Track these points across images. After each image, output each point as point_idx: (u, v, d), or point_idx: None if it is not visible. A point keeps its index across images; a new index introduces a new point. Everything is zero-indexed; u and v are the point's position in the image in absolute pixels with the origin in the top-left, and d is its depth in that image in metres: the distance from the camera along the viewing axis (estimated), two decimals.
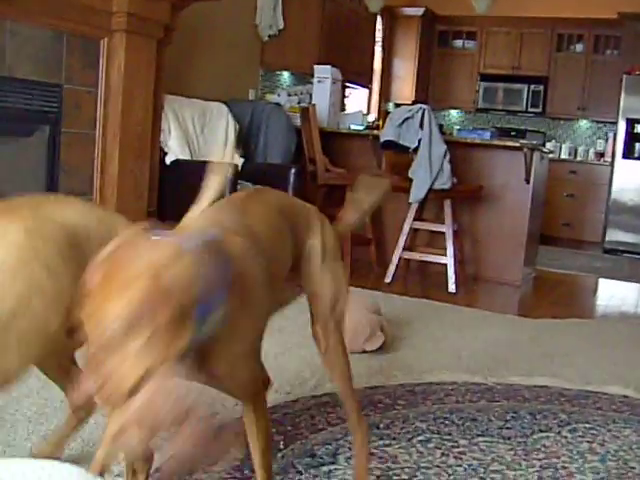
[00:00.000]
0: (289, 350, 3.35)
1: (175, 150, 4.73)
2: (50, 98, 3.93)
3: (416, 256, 5.53)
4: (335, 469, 2.17)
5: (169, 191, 4.66)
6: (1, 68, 3.63)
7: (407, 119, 5.06)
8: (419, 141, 5.03)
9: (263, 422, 1.60)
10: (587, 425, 2.72)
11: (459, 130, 7.68)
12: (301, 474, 2.12)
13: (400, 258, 5.37)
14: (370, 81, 9.28)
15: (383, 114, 9.27)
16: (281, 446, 2.29)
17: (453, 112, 10.94)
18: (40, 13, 3.74)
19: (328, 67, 6.78)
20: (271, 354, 3.27)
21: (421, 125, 5.02)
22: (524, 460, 2.34)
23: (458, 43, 10.62)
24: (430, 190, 5.04)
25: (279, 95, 6.86)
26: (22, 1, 3.62)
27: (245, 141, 5.63)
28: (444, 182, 5.03)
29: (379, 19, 9.33)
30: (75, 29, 3.97)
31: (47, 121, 3.94)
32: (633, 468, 2.36)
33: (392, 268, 5.35)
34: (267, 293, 1.51)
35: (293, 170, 4.85)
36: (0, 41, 3.60)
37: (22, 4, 3.63)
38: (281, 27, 6.93)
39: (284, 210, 1.78)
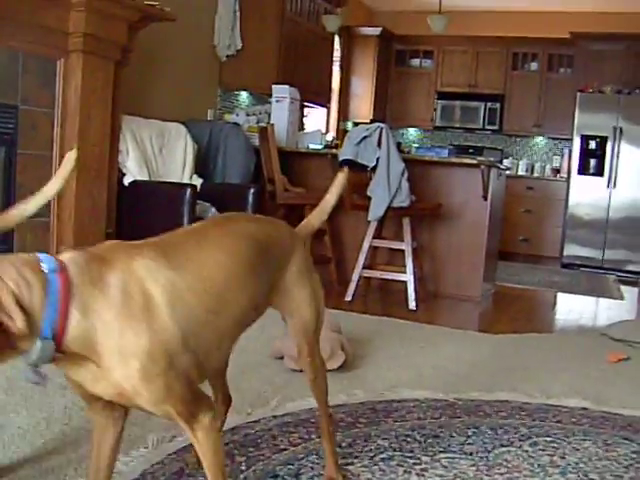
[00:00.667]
0: (251, 369, 3.33)
1: (133, 171, 4.70)
2: (6, 119, 3.89)
3: (376, 274, 5.54)
4: None
5: (127, 212, 4.63)
6: None
7: (365, 138, 5.09)
8: (377, 159, 5.06)
9: (204, 448, 1.61)
10: (548, 438, 2.74)
11: (417, 148, 7.75)
12: None
13: (360, 276, 5.38)
14: (328, 100, 9.32)
15: (342, 133, 9.31)
16: (243, 467, 2.27)
17: (411, 130, 11.03)
18: None
19: (286, 87, 6.80)
20: (232, 374, 3.25)
21: (379, 144, 5.05)
22: (486, 475, 2.35)
23: (415, 62, 10.73)
24: (389, 208, 5.06)
25: (237, 115, 6.86)
26: None
27: (203, 161, 5.62)
28: (402, 200, 5.06)
29: (337, 39, 9.39)
30: (31, 49, 3.94)
31: (2, 142, 3.90)
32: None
33: (352, 286, 5.35)
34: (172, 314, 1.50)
35: (252, 190, 4.85)
36: None
37: None
38: (239, 47, 6.94)
39: (256, 239, 1.81)
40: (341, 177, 2.23)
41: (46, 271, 1.36)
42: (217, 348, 1.67)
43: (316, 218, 2.20)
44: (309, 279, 2.00)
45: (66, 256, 1.43)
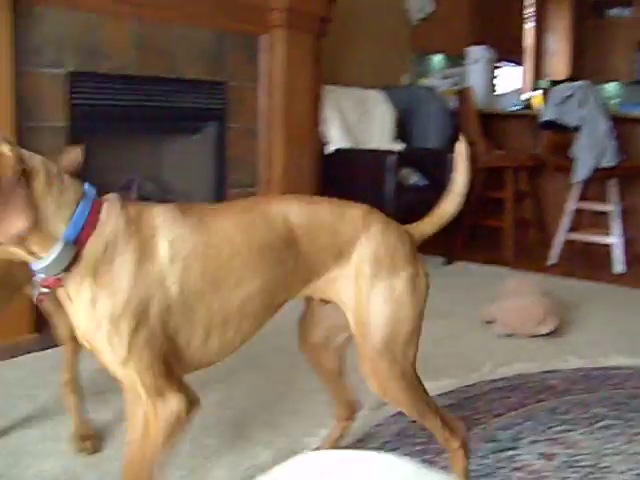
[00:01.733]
0: (460, 334, 3.36)
1: (336, 139, 4.80)
2: (215, 96, 4.09)
3: (580, 237, 5.38)
4: (517, 455, 2.17)
5: (331, 180, 4.73)
6: (173, 70, 3.81)
7: (567, 97, 4.92)
8: (581, 119, 4.89)
9: (156, 430, 1.51)
10: None
11: (620, 104, 7.38)
12: (484, 459, 2.14)
13: (563, 239, 5.25)
14: (522, 58, 9.06)
15: (537, 92, 9.04)
16: None
17: (610, 85, 10.53)
18: (203, 16, 3.89)
19: (482, 48, 6.68)
20: (442, 338, 3.30)
21: (583, 102, 4.87)
22: None
23: (613, 12, 10.19)
24: (596, 169, 4.89)
25: (433, 78, 6.81)
26: (186, 6, 3.78)
27: (402, 127, 5.63)
28: (609, 160, 4.86)
29: None
30: (236, 28, 4.10)
31: (214, 117, 4.10)
32: None
33: (556, 250, 5.23)
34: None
35: (451, 155, 4.80)
36: (170, 46, 3.77)
37: (186, 9, 3.79)
38: (431, 9, 6.87)
39: (290, 223, 1.64)
40: (461, 148, 1.91)
41: (85, 187, 1.47)
42: (207, 333, 1.54)
43: (430, 224, 1.85)
44: (388, 287, 1.66)
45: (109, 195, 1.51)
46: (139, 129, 3.91)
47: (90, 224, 1.42)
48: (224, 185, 4.13)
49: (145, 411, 1.54)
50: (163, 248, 1.48)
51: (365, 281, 1.66)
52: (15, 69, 3.04)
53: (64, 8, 3.27)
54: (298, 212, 1.67)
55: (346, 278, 1.68)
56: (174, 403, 1.49)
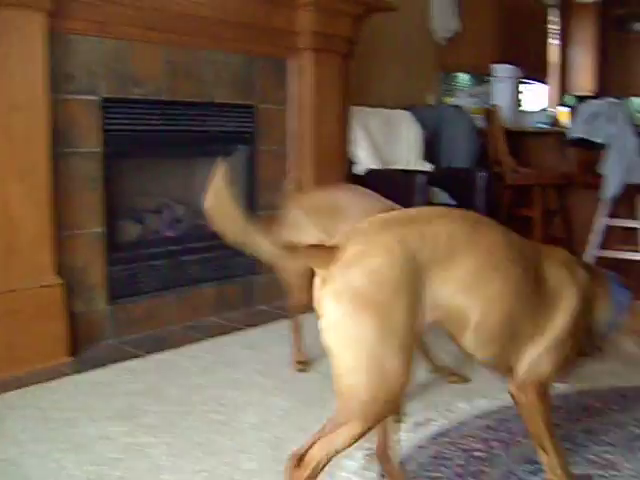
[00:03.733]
0: None
1: (364, 160, 4.82)
2: (245, 119, 4.13)
3: (610, 254, 5.35)
4: None
5: None
6: (203, 95, 3.86)
7: (595, 114, 4.92)
8: (609, 136, 4.88)
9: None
10: None
11: None
12: None
13: (594, 256, 5.23)
14: (547, 75, 9.05)
15: (564, 108, 9.03)
16: (497, 451, 2.31)
17: (637, 99, 10.47)
18: (231, 40, 3.95)
19: (508, 66, 6.69)
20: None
21: (611, 119, 4.87)
22: None
23: (637, 26, 10.15)
24: (626, 185, 4.87)
25: (459, 97, 6.83)
26: (215, 31, 3.83)
27: (429, 146, 5.65)
28: (639, 176, 4.85)
29: (553, 11, 9.09)
30: (264, 51, 4.15)
31: (244, 141, 4.14)
32: None
33: None
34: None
35: (481, 174, 4.81)
36: (200, 70, 3.83)
37: (215, 34, 3.85)
38: (458, 29, 6.90)
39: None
40: None
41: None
42: None
43: None
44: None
45: None
46: (170, 153, 3.96)
47: None
48: (255, 207, 4.16)
49: None
50: None
51: None
52: (51, 96, 3.10)
53: (97, 36, 3.33)
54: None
55: None
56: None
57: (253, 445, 2.35)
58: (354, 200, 2.87)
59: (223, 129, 4.03)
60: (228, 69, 3.98)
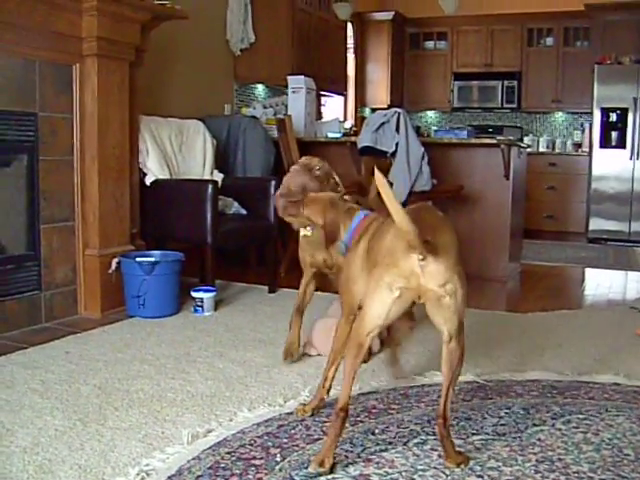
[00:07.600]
0: (280, 362, 3.35)
1: (154, 170, 4.72)
2: (26, 127, 3.92)
3: None
4: (333, 478, 2.17)
5: (151, 211, 4.65)
6: None
7: (383, 124, 5.08)
8: (396, 145, 5.05)
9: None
10: (580, 416, 2.74)
11: (436, 131, 7.70)
12: None
13: None
14: (345, 88, 9.30)
15: (360, 120, 9.29)
16: (277, 459, 2.29)
17: (429, 113, 10.99)
18: (11, 42, 3.74)
19: (301, 77, 6.79)
20: (262, 367, 3.29)
21: (397, 129, 5.04)
22: (520, 455, 2.36)
23: (430, 44, 10.67)
24: (410, 193, 5.05)
25: (254, 108, 6.86)
26: None
27: (223, 156, 5.63)
28: (424, 184, 5.05)
29: (349, 26, 9.36)
30: (46, 56, 3.96)
31: (24, 150, 3.93)
32: (628, 455, 2.38)
33: None
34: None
35: (273, 182, 4.84)
36: None
37: None
38: (252, 40, 6.95)
39: None
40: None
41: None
42: None
43: None
44: None
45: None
46: None
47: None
48: (36, 220, 3.96)
49: None
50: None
51: None
52: None
53: None
54: None
55: None
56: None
57: (21, 470, 2.20)
58: None
59: (1, 138, 3.79)
60: (5, 74, 3.76)
